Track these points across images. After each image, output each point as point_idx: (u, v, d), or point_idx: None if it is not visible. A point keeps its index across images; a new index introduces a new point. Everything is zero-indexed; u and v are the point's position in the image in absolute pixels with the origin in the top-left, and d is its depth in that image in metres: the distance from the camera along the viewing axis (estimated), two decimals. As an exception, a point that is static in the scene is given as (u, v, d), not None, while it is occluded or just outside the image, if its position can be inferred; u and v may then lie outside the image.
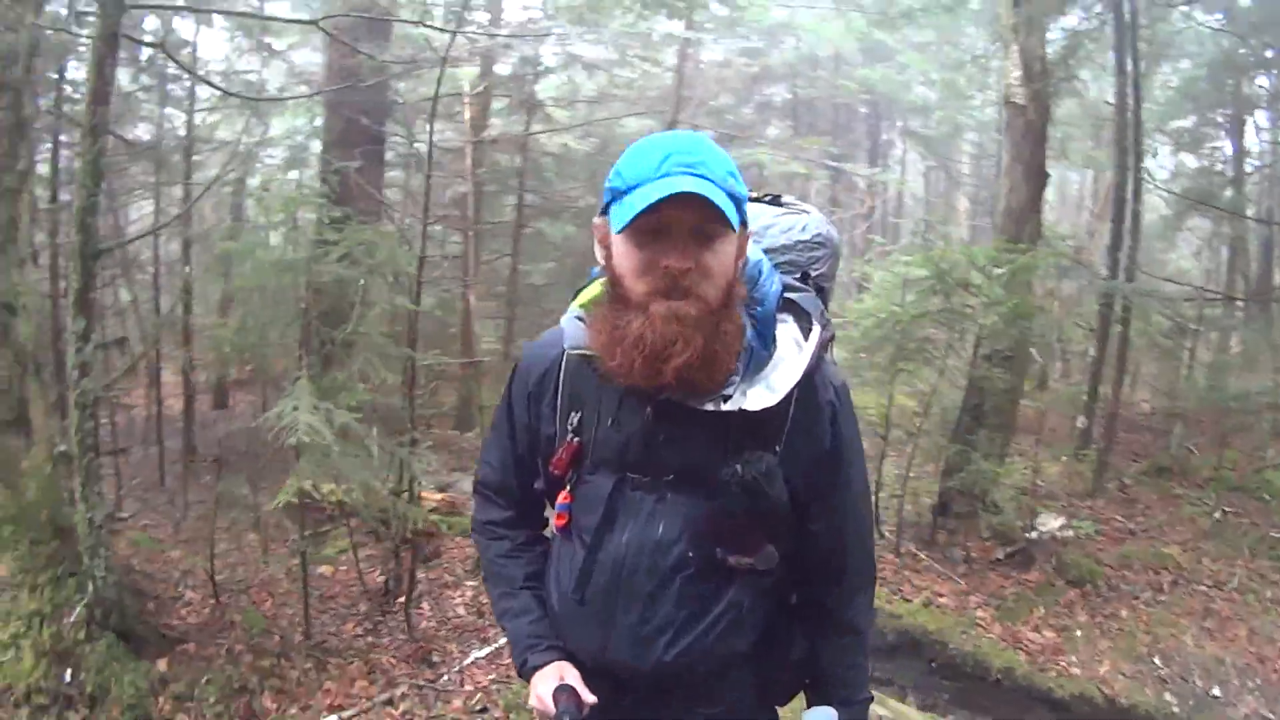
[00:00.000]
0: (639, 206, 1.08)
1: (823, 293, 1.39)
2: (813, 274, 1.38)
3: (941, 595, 5.15)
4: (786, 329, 1.24)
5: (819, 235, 1.42)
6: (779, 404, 1.18)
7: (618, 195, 1.14)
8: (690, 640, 1.24)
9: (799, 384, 1.20)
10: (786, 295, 1.28)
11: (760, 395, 1.17)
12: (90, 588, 3.04)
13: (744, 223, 1.16)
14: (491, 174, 8.64)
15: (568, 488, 1.30)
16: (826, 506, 1.29)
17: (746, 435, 1.20)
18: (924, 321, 5.47)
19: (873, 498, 3.94)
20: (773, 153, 9.84)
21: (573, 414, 1.28)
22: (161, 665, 3.24)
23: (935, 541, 5.73)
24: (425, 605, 4.36)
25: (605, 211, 1.19)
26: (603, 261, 1.22)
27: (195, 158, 7.20)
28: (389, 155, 8.09)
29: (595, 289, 1.28)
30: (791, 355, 1.22)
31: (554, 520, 1.33)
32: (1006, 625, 4.89)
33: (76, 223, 3.04)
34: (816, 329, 1.25)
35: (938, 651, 4.73)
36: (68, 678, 2.90)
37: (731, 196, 1.12)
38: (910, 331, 5.43)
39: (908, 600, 5.07)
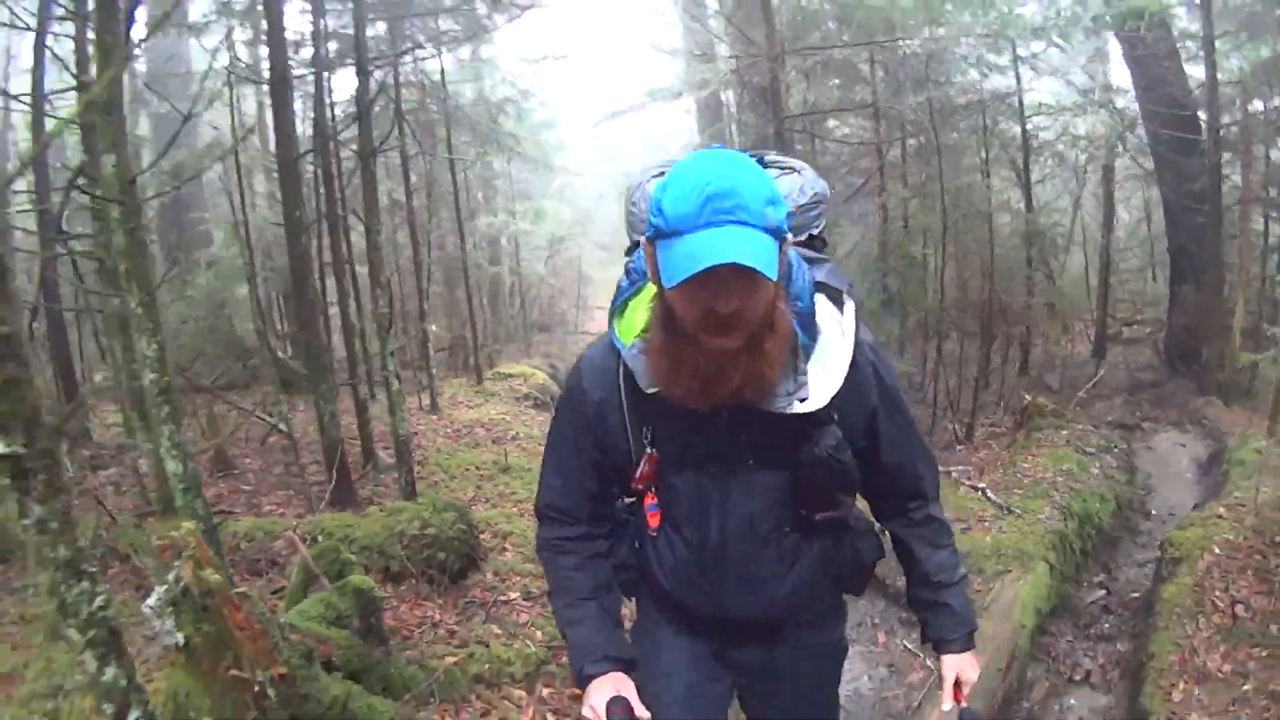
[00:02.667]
0: (683, 271, 1.08)
1: (825, 245, 1.49)
2: (815, 232, 1.44)
3: None
4: (823, 308, 1.32)
5: (816, 194, 1.44)
6: None
7: (662, 235, 1.13)
8: (793, 582, 1.43)
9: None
10: (817, 280, 1.33)
11: (820, 379, 1.27)
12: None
13: (784, 239, 1.15)
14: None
15: (652, 490, 1.41)
16: (891, 443, 1.41)
17: (809, 414, 1.28)
18: None
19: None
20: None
21: (644, 428, 1.35)
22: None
23: None
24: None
25: (651, 239, 1.16)
26: (653, 279, 1.20)
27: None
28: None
29: (642, 315, 1.30)
30: (834, 333, 1.30)
31: (648, 520, 1.44)
32: None
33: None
34: (849, 304, 1.34)
35: None
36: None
37: (769, 231, 1.10)
38: None
39: None
